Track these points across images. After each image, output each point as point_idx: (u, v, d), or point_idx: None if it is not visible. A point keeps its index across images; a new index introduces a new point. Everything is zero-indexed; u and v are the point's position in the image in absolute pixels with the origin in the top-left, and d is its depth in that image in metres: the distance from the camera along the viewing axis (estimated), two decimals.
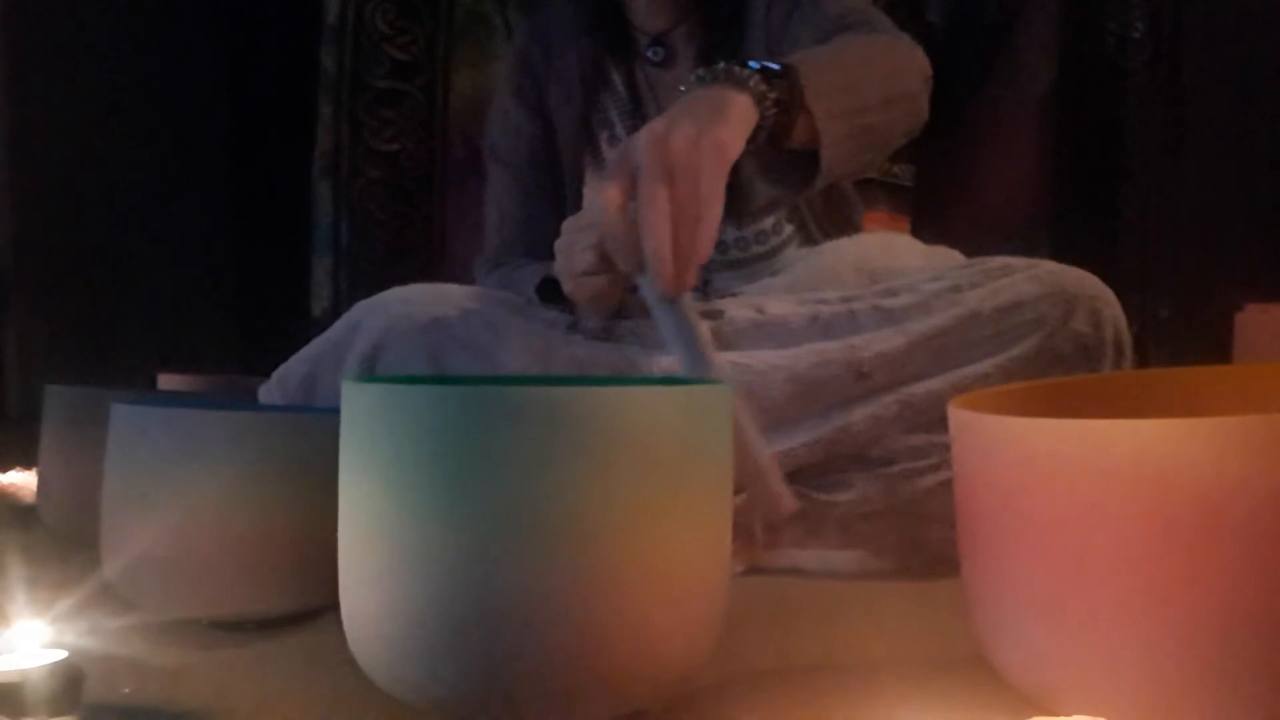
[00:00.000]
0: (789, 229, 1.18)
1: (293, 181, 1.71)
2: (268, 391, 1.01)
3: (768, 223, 1.17)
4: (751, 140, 0.79)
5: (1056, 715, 0.43)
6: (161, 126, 1.80)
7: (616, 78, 1.18)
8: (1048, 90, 1.54)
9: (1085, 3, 1.53)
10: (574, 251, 0.85)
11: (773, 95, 0.81)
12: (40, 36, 1.69)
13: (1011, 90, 1.58)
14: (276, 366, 1.03)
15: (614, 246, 0.75)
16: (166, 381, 1.33)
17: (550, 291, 1.01)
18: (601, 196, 0.74)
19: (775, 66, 0.83)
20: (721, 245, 1.13)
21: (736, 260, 1.16)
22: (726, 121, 0.75)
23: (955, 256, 1.14)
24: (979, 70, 1.65)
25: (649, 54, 1.16)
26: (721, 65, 0.81)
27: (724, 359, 0.96)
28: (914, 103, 0.98)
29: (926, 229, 1.58)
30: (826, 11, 1.08)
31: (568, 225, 0.89)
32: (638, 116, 1.16)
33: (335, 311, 1.60)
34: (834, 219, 1.21)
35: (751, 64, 0.81)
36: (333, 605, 0.55)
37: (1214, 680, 0.43)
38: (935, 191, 1.68)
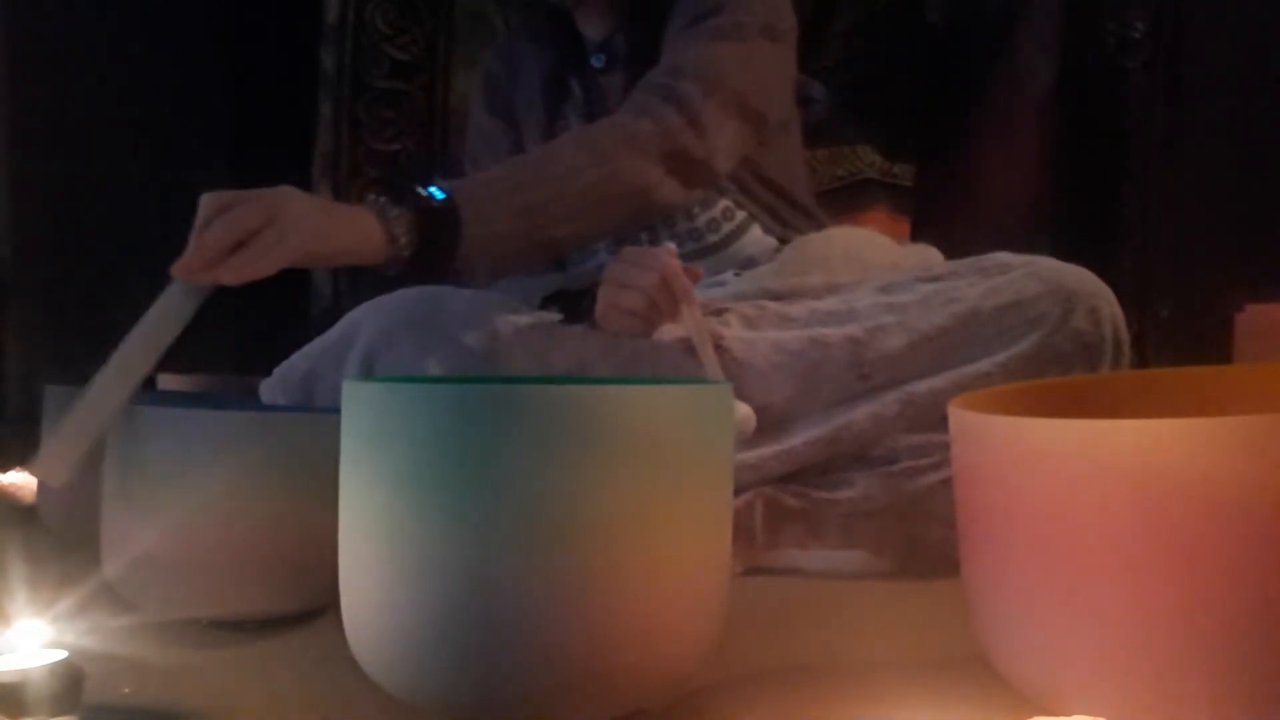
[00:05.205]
0: (741, 215, 1.21)
1: (292, 181, 1.70)
2: (268, 388, 1.02)
3: (716, 210, 1.20)
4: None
5: (1056, 715, 0.43)
6: (161, 126, 1.80)
7: (574, 84, 1.24)
8: (1048, 90, 1.53)
9: (1085, 3, 1.53)
10: (626, 287, 0.96)
11: None
12: (40, 36, 1.68)
13: (1011, 90, 1.58)
14: (276, 366, 1.03)
15: (665, 299, 0.93)
16: (166, 381, 1.33)
17: (559, 302, 1.06)
18: (668, 255, 0.93)
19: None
20: (675, 239, 1.18)
21: (694, 251, 1.19)
22: None
23: (934, 254, 1.15)
24: (979, 70, 1.64)
25: (593, 61, 1.23)
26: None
27: (727, 358, 0.97)
28: (635, 199, 1.04)
29: (926, 229, 1.58)
30: (662, 64, 1.11)
31: (628, 256, 0.97)
32: (591, 118, 1.20)
33: (335, 311, 1.60)
34: (783, 202, 1.24)
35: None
36: (333, 605, 0.55)
37: (1213, 680, 0.43)
38: (935, 191, 1.68)
